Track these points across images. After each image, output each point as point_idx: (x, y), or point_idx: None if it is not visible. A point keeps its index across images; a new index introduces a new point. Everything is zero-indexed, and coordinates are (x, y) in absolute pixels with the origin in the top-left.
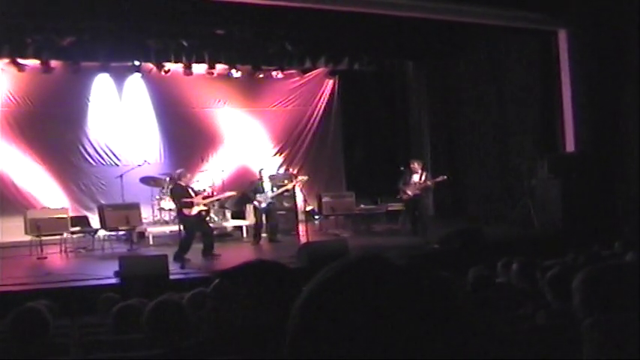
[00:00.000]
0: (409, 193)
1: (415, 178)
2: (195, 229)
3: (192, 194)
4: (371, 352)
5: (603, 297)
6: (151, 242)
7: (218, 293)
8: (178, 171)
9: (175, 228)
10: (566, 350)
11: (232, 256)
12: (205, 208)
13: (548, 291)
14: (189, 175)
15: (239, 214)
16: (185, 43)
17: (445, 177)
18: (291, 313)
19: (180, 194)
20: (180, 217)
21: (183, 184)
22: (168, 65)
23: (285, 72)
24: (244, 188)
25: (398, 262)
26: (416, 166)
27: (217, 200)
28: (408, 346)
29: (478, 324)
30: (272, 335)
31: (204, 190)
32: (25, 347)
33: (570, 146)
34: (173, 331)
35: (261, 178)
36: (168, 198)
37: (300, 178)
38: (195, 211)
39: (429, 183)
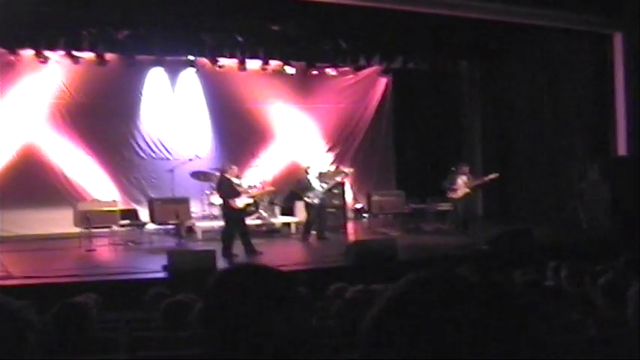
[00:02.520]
0: (459, 192)
1: (464, 178)
2: (236, 223)
3: (239, 188)
4: None
5: None
6: (200, 237)
7: (212, 293)
8: (225, 164)
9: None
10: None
11: (279, 252)
12: (250, 202)
13: (600, 297)
14: (235, 168)
15: (288, 211)
16: (240, 39)
17: (497, 174)
18: (360, 329)
19: (227, 187)
20: (225, 210)
21: (229, 176)
22: (222, 60)
23: (339, 69)
24: (292, 185)
25: (471, 278)
26: (465, 169)
27: (257, 195)
28: None
29: (542, 338)
30: (264, 340)
31: (254, 185)
32: (71, 341)
33: (622, 150)
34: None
35: (307, 176)
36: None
37: (347, 170)
38: (241, 204)
39: (479, 181)
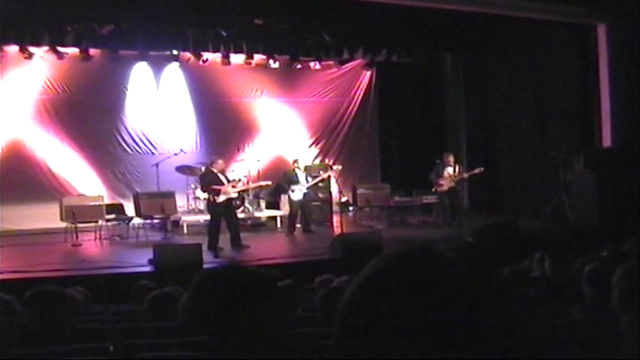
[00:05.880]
0: (444, 185)
1: (449, 170)
2: (220, 216)
3: (225, 182)
4: (420, 344)
5: None
6: (185, 231)
7: (197, 291)
8: (212, 158)
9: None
10: (604, 345)
11: (265, 246)
12: (235, 196)
13: (586, 285)
14: (220, 162)
15: (273, 205)
16: (224, 33)
17: (482, 169)
18: (339, 304)
19: (210, 180)
20: (208, 204)
21: (214, 170)
22: (206, 55)
23: (322, 63)
24: (279, 178)
25: (448, 254)
26: (450, 159)
27: (246, 190)
28: (456, 338)
29: (520, 318)
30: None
31: (239, 179)
32: (56, 332)
33: (607, 141)
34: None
35: (294, 169)
36: None
37: (335, 167)
38: (222, 198)
39: (465, 175)
